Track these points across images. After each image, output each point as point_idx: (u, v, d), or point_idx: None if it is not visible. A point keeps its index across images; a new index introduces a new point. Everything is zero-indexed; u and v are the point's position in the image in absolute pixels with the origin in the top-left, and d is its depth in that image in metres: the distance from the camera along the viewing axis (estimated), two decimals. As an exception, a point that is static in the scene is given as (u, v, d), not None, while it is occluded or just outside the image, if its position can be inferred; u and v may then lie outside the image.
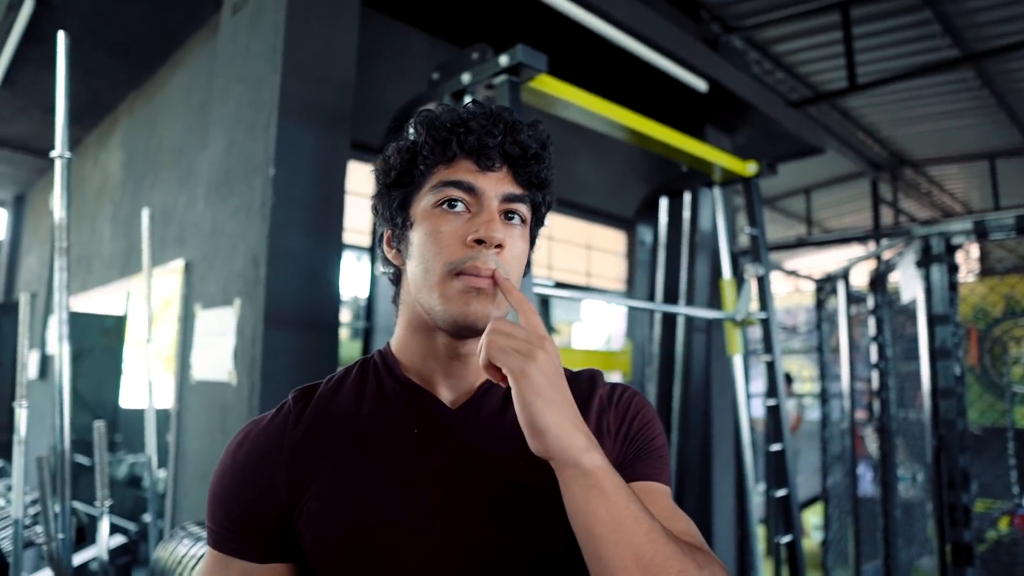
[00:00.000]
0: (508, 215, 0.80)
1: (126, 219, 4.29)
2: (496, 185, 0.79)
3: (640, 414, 0.88)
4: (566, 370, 0.90)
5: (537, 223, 0.88)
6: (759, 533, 3.03)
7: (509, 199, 0.80)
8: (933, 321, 2.72)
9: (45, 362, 5.25)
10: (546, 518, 0.76)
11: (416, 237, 0.80)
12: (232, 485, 0.78)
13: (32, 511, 2.86)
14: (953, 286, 2.69)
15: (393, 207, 0.83)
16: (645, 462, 0.85)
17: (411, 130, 0.83)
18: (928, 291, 2.74)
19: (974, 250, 3.35)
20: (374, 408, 0.82)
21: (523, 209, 0.82)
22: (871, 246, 7.82)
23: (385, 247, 0.87)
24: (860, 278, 3.82)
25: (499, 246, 0.77)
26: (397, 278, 0.87)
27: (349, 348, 4.23)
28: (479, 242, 0.76)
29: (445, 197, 0.78)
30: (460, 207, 0.78)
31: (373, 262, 2.81)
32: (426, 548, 0.73)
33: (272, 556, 0.77)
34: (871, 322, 3.35)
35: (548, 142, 0.84)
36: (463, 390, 0.84)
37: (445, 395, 0.83)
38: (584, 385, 0.89)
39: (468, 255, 0.76)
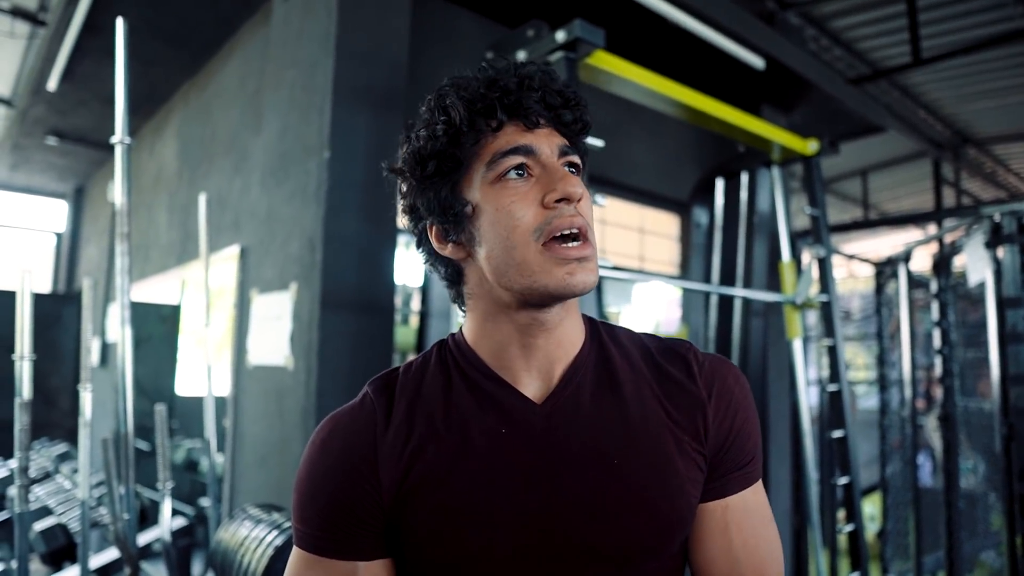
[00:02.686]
0: (568, 167, 0.77)
1: (182, 207, 4.37)
2: (549, 140, 0.76)
3: (736, 413, 0.81)
4: (645, 338, 0.86)
5: (584, 169, 0.83)
6: (817, 522, 2.95)
7: (565, 152, 0.76)
8: (1003, 304, 2.61)
9: (106, 350, 5.39)
10: (640, 514, 0.73)
11: (484, 219, 0.74)
12: (326, 486, 0.75)
13: (97, 493, 2.94)
14: (1025, 267, 2.58)
15: (443, 197, 0.77)
16: (736, 474, 0.80)
17: (440, 113, 0.76)
18: (998, 273, 2.63)
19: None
20: (462, 404, 0.77)
21: (576, 159, 0.78)
22: (931, 229, 7.58)
23: (437, 244, 0.79)
24: (920, 262, 3.69)
25: (578, 200, 0.73)
26: (457, 275, 0.81)
27: (401, 333, 4.25)
28: (559, 201, 0.72)
29: (507, 167, 0.73)
30: (524, 173, 0.74)
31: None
32: (522, 547, 0.72)
33: (376, 553, 0.75)
34: (935, 306, 3.24)
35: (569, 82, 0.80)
36: (544, 379, 0.78)
37: (528, 386, 0.77)
38: (679, 364, 0.82)
39: (551, 215, 0.72)
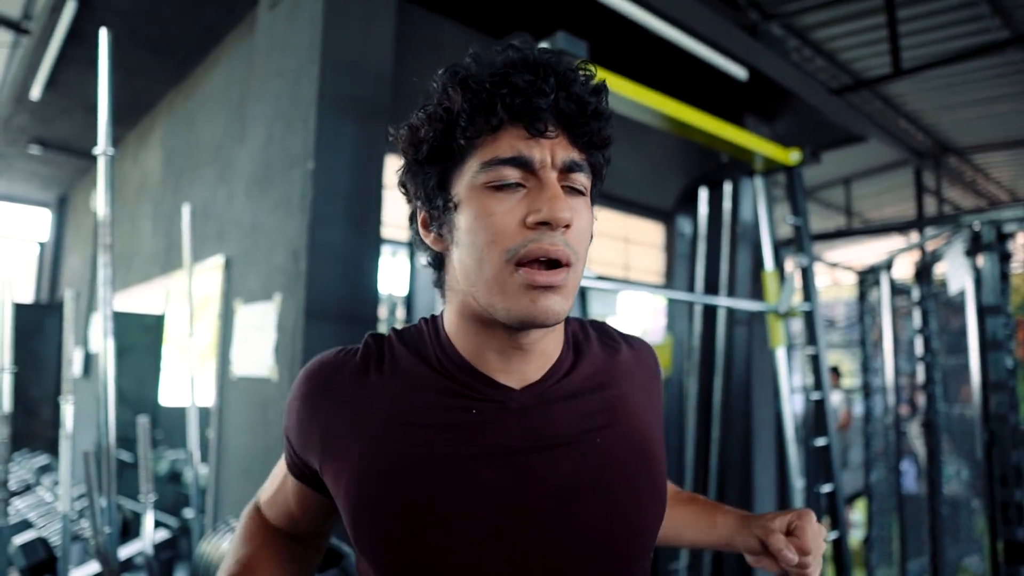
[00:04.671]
0: (569, 185, 0.69)
1: (166, 217, 4.34)
2: (552, 152, 0.68)
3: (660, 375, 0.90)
4: (603, 328, 0.89)
5: (597, 187, 0.76)
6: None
7: (568, 168, 0.69)
8: (983, 312, 2.63)
9: (89, 360, 5.34)
10: (630, 494, 0.74)
11: (464, 221, 0.69)
12: (299, 409, 0.78)
13: (78, 506, 2.91)
14: (1005, 275, 2.61)
15: (429, 187, 0.72)
16: None
17: (444, 92, 0.70)
18: (978, 281, 2.65)
19: (1022, 239, 3.25)
20: (436, 384, 0.74)
21: (583, 178, 0.70)
22: (913, 237, 7.65)
23: (421, 230, 0.76)
24: (903, 270, 3.73)
25: (566, 226, 0.67)
26: (440, 262, 0.77)
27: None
28: (541, 224, 0.65)
29: (495, 179, 0.67)
30: (514, 184, 0.67)
31: (412, 256, 2.79)
32: (499, 533, 0.68)
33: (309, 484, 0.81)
34: (916, 314, 3.27)
35: (604, 89, 0.71)
36: (526, 380, 0.75)
37: (505, 380, 0.75)
38: (639, 353, 0.87)
39: (529, 237, 0.65)
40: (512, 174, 0.67)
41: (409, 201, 0.78)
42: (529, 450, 0.71)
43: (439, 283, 0.79)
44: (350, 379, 0.76)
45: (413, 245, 0.83)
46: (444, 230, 0.72)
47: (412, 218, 0.78)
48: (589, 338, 0.83)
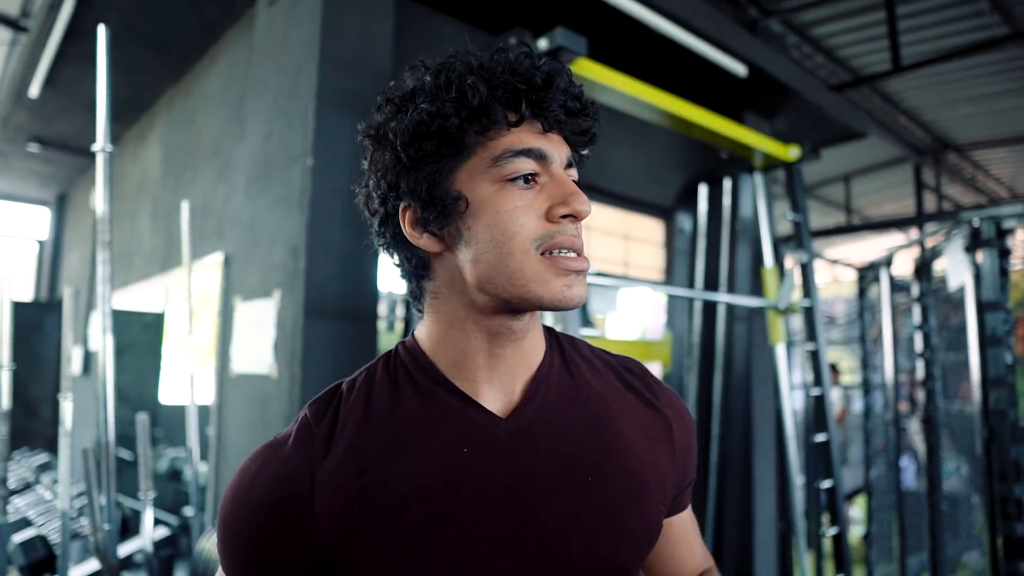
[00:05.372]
0: (572, 180, 0.72)
1: (165, 214, 4.34)
2: (559, 149, 0.70)
3: (691, 433, 0.84)
4: (604, 354, 0.85)
5: None
6: (802, 526, 2.97)
7: (570, 164, 0.72)
8: (983, 308, 2.63)
9: (88, 358, 5.34)
10: (617, 530, 0.72)
11: (480, 221, 0.67)
12: (253, 523, 0.68)
13: (78, 504, 2.91)
14: (1004, 271, 2.61)
15: (432, 184, 0.68)
16: (688, 489, 0.85)
17: (452, 89, 0.67)
18: (977, 277, 2.65)
19: (1021, 235, 3.25)
20: (417, 423, 0.70)
21: (576, 173, 0.73)
22: (912, 233, 7.65)
23: (409, 230, 0.70)
24: (902, 266, 3.73)
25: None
26: (425, 267, 0.73)
27: (386, 340, 4.24)
28: (565, 217, 0.68)
29: (518, 171, 0.67)
30: (529, 178, 0.68)
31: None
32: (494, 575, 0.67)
33: None
34: (916, 310, 3.27)
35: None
36: (506, 392, 0.73)
37: (489, 400, 0.72)
38: (640, 381, 0.82)
39: (553, 230, 0.67)
40: (530, 165, 0.68)
41: (384, 203, 0.72)
42: (524, 492, 0.69)
43: (418, 293, 0.75)
44: (306, 450, 0.69)
45: (387, 249, 0.76)
46: (445, 231, 0.69)
47: (385, 222, 0.73)
48: (592, 361, 0.82)
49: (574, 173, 0.73)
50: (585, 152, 0.76)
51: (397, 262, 0.76)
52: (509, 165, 0.67)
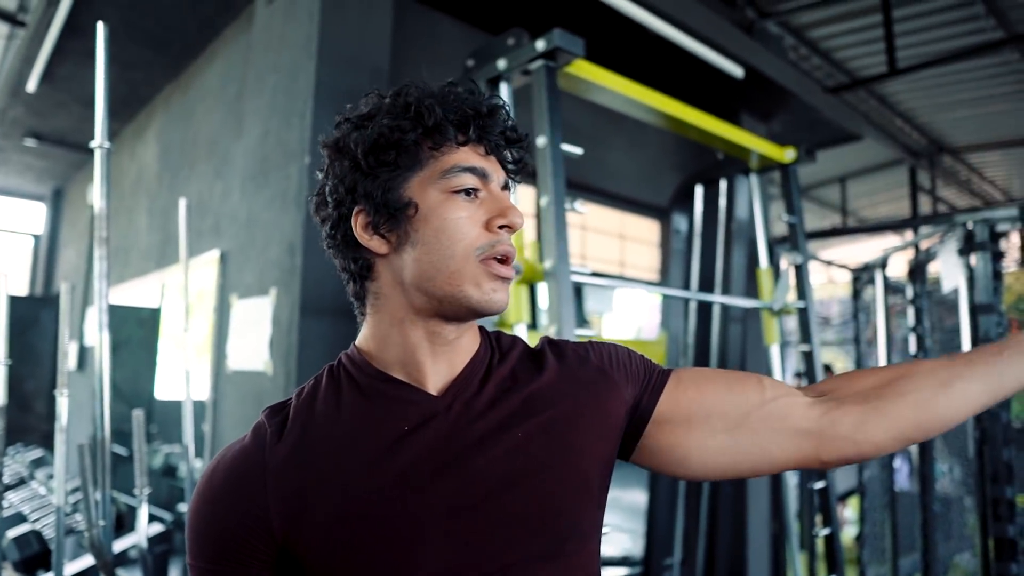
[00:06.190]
0: None
1: (162, 211, 4.34)
2: (497, 170, 0.80)
3: (620, 354, 0.89)
4: (551, 341, 0.91)
5: None
6: (795, 527, 2.99)
7: (505, 186, 0.82)
8: (976, 310, 2.65)
9: (84, 353, 5.34)
10: (554, 483, 0.77)
11: (429, 226, 0.75)
12: (213, 516, 0.73)
13: (73, 499, 2.91)
14: (997, 274, 2.62)
15: (387, 191, 0.76)
16: (660, 375, 0.89)
17: (410, 110, 0.76)
18: (971, 280, 2.67)
19: (1014, 238, 3.27)
20: (357, 411, 0.77)
21: (510, 195, 0.84)
22: (907, 235, 7.67)
23: (360, 232, 0.77)
24: (897, 268, 3.74)
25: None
26: (368, 269, 0.80)
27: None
28: (502, 227, 0.77)
29: (463, 185, 0.76)
30: (472, 194, 0.78)
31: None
32: (447, 544, 0.72)
33: None
34: (910, 312, 3.28)
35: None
36: (447, 376, 0.80)
37: (431, 385, 0.79)
38: (571, 354, 0.88)
39: (494, 239, 0.77)
40: (472, 181, 0.77)
41: (337, 208, 0.79)
42: (465, 454, 0.75)
43: (362, 294, 0.82)
44: (259, 443, 0.76)
45: (336, 251, 0.82)
46: (394, 234, 0.77)
47: (337, 224, 0.79)
48: (516, 347, 0.88)
49: (508, 195, 0.82)
50: (517, 179, 0.86)
51: (343, 265, 0.82)
52: (456, 179, 0.76)
